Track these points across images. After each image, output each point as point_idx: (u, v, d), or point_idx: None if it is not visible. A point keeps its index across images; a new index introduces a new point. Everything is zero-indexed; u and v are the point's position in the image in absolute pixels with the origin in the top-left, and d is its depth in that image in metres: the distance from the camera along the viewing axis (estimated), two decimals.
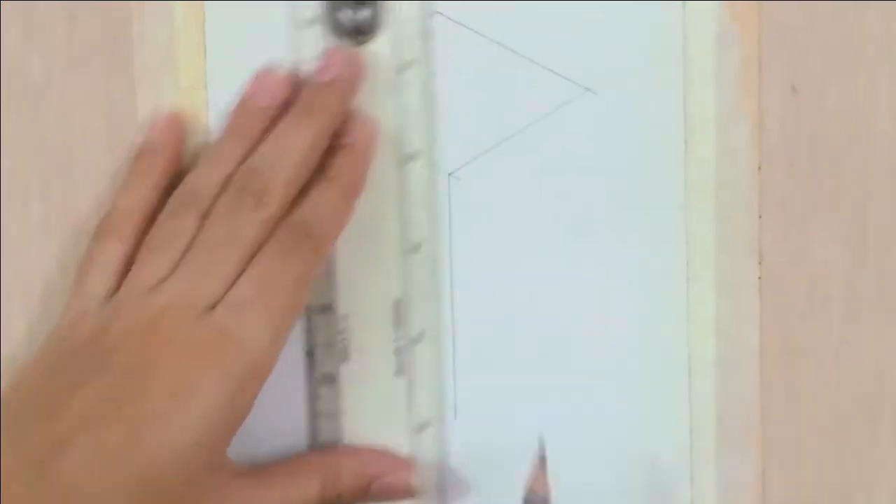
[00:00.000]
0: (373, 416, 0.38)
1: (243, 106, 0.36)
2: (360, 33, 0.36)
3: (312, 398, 0.38)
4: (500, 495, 0.38)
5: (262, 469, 0.35)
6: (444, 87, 0.38)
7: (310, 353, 0.38)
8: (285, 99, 0.36)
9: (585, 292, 0.38)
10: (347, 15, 0.36)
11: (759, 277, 0.37)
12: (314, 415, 0.38)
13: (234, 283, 0.32)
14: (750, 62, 0.37)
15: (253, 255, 0.33)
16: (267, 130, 0.35)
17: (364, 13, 0.36)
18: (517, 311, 0.38)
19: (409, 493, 0.37)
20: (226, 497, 0.33)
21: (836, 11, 0.36)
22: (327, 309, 0.37)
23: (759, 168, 0.37)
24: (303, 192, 0.34)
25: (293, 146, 0.34)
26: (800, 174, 0.37)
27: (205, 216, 0.33)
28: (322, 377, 0.38)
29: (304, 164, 0.34)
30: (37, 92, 0.37)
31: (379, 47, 0.37)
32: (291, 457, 0.37)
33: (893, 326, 0.37)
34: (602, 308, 0.38)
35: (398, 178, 0.37)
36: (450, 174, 0.38)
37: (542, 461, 0.37)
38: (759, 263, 0.37)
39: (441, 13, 0.37)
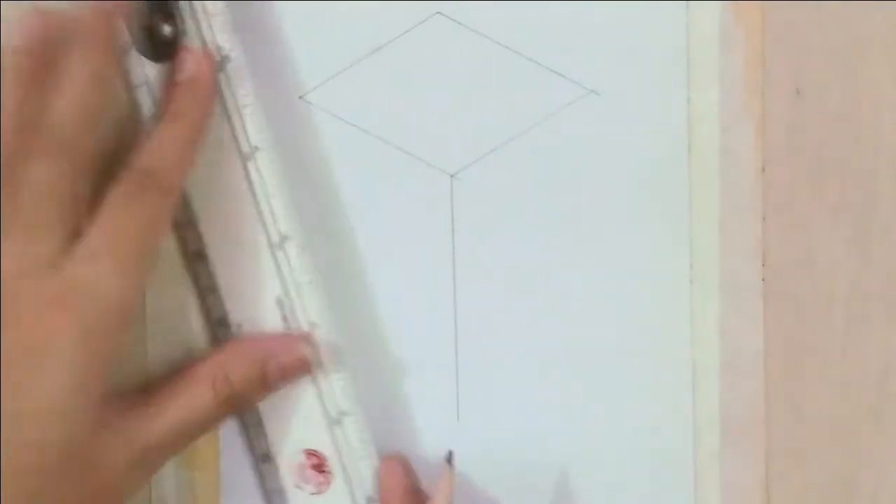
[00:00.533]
0: (292, 419, 0.37)
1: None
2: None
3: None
4: (503, 496, 0.38)
5: (152, 395, 0.35)
6: (446, 88, 0.38)
7: None
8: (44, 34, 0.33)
9: (588, 294, 0.38)
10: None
11: (763, 279, 0.37)
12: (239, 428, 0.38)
13: (71, 234, 0.31)
14: (754, 64, 0.37)
15: (74, 205, 0.32)
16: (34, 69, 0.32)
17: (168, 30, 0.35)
18: (520, 314, 0.38)
19: (304, 366, 0.36)
20: (119, 436, 0.33)
21: (840, 13, 0.36)
22: (222, 322, 0.37)
23: (763, 170, 0.37)
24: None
25: (74, 88, 0.32)
26: (803, 176, 0.37)
27: None
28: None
29: (91, 99, 0.32)
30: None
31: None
32: (186, 365, 0.36)
33: None
34: (606, 310, 0.38)
35: (246, 177, 0.36)
36: (452, 176, 0.38)
37: (447, 478, 0.36)
38: (763, 265, 0.37)
39: (441, 13, 0.37)
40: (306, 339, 0.36)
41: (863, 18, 0.36)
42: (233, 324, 0.37)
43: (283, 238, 0.36)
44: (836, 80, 0.37)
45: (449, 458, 0.36)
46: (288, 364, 0.36)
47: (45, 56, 0.32)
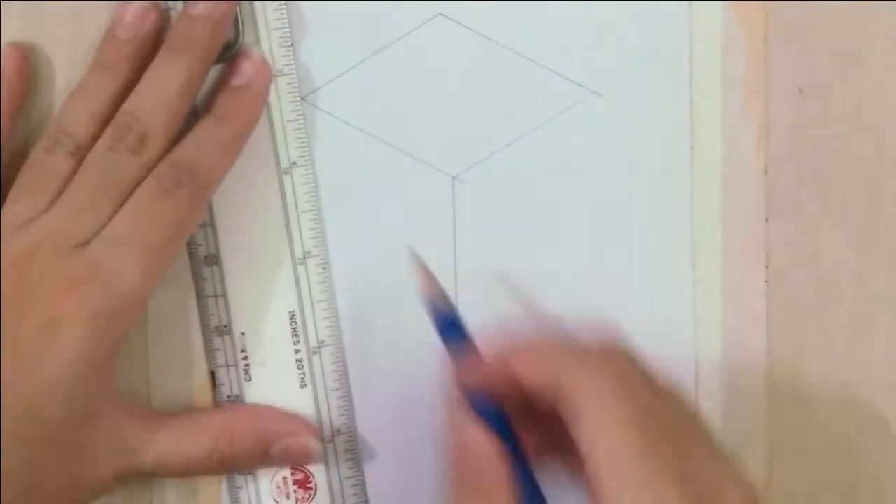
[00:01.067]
0: None
1: (108, 39, 0.35)
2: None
3: None
4: None
5: (155, 419, 0.35)
6: (448, 89, 0.38)
7: (212, 376, 0.37)
8: (151, 30, 0.34)
9: (591, 296, 0.38)
10: None
11: (766, 281, 0.37)
12: None
13: (108, 218, 0.32)
14: (756, 64, 0.37)
15: (126, 196, 0.33)
16: (136, 62, 0.34)
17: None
18: (521, 315, 0.38)
19: (309, 457, 0.36)
20: (111, 442, 0.33)
21: (843, 12, 0.36)
22: (224, 330, 0.37)
23: (766, 171, 0.37)
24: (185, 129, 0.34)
25: (168, 87, 0.33)
26: (807, 177, 0.37)
27: (75, 155, 0.33)
28: (227, 399, 0.37)
29: (180, 102, 0.33)
30: (41, 93, 0.37)
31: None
32: (197, 410, 0.37)
33: None
34: (608, 311, 0.37)
35: (280, 190, 0.37)
36: (454, 178, 0.38)
37: (420, 265, 0.35)
38: (766, 267, 0.37)
39: (444, 14, 0.37)
40: (316, 431, 0.37)
41: (866, 18, 0.36)
42: (235, 331, 0.37)
43: (307, 254, 0.37)
44: (839, 79, 0.37)
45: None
46: (293, 451, 0.36)
47: (147, 49, 0.34)
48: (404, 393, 0.38)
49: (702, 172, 0.37)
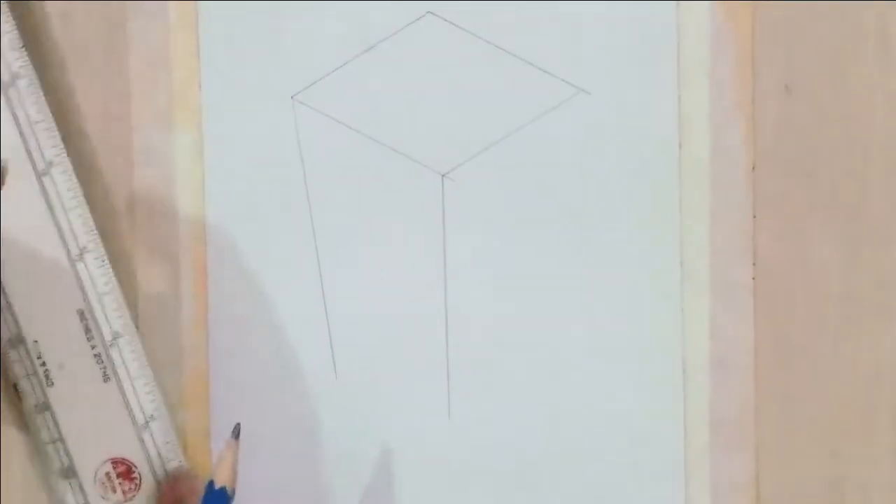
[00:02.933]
0: (97, 430, 0.37)
1: None
2: None
3: (33, 431, 0.37)
4: (494, 491, 0.38)
5: None
6: (437, 87, 0.38)
7: (15, 388, 0.37)
8: None
9: (579, 293, 0.38)
10: None
11: (754, 278, 0.37)
12: (39, 444, 0.37)
13: None
14: (744, 61, 0.37)
15: None
16: None
17: None
18: (511, 312, 0.38)
19: None
20: None
21: (831, 10, 0.36)
22: (17, 341, 0.37)
23: (754, 168, 0.37)
24: None
25: None
26: (794, 174, 0.37)
27: None
28: (34, 409, 0.37)
29: None
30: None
31: None
32: None
33: (890, 328, 0.37)
34: (596, 308, 0.38)
35: (41, 192, 0.36)
36: (443, 175, 0.38)
37: (230, 448, 0.35)
38: (754, 264, 0.37)
39: (433, 13, 0.37)
40: None
41: (854, 16, 0.36)
42: (28, 340, 0.37)
43: (83, 250, 0.37)
44: (827, 77, 0.36)
45: (236, 433, 0.36)
46: None
47: None
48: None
49: (689, 169, 0.37)
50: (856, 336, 0.37)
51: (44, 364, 0.37)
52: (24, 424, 0.37)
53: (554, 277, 0.38)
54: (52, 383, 0.37)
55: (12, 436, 0.38)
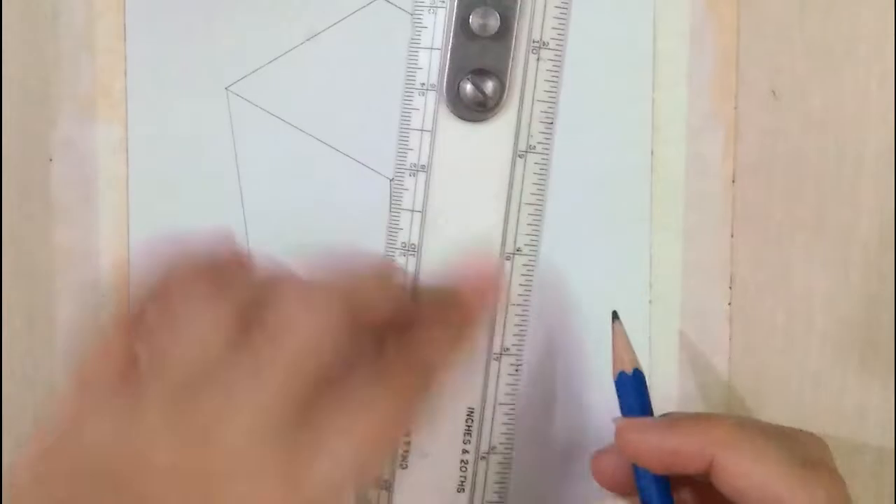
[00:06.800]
0: None
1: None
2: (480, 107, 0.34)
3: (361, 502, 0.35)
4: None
5: None
6: (387, 80, 0.35)
7: None
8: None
9: (542, 312, 0.36)
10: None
11: (730, 303, 0.36)
12: None
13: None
14: (726, 61, 0.35)
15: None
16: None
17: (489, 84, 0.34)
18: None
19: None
20: None
21: (822, 7, 0.35)
22: None
23: (734, 180, 0.35)
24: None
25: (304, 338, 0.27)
26: (778, 188, 0.35)
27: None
28: (375, 480, 0.35)
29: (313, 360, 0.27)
30: None
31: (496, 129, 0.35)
32: None
33: (879, 364, 0.35)
34: (561, 329, 0.36)
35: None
36: (391, 180, 0.36)
37: (619, 333, 0.32)
38: (730, 287, 0.36)
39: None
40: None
41: (847, 14, 0.35)
42: None
43: (502, 351, 0.35)
44: (817, 81, 0.35)
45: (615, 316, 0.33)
46: None
47: None
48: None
49: (662, 180, 0.36)
50: (841, 370, 0.35)
51: (408, 444, 0.35)
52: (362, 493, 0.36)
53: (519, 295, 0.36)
54: (406, 466, 0.35)
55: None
